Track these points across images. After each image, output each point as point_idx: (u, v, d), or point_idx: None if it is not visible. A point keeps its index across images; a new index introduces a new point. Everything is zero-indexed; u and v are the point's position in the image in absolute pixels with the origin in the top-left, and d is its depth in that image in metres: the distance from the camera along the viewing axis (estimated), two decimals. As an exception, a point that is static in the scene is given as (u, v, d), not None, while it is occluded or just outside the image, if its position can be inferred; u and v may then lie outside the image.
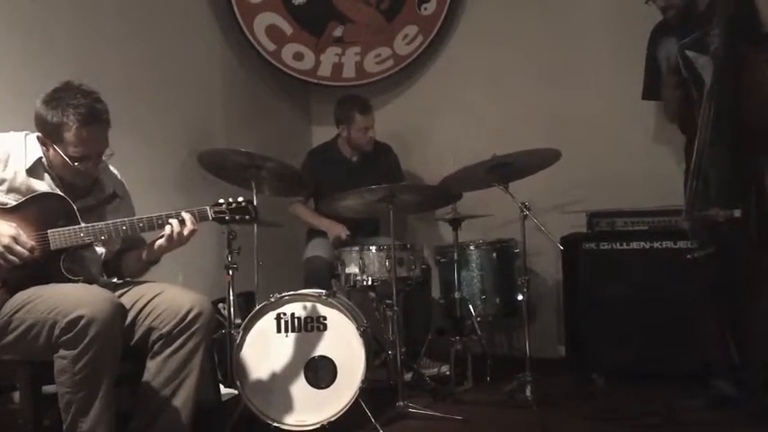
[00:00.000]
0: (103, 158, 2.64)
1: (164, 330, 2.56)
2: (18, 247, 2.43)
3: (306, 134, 5.36)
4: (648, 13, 3.80)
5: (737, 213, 3.07)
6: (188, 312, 2.57)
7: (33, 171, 2.59)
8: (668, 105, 3.77)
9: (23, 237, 2.45)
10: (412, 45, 5.00)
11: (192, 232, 2.64)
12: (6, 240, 2.42)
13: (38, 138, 2.59)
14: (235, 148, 3.65)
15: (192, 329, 2.58)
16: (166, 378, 2.56)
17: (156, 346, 2.58)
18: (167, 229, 2.62)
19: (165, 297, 2.62)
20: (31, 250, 2.45)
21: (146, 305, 2.61)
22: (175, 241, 2.64)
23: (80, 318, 2.30)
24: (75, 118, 2.50)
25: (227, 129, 4.59)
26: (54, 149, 2.55)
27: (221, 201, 2.73)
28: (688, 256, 3.29)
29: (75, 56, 3.54)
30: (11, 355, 2.46)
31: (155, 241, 2.69)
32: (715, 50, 3.15)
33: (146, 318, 2.59)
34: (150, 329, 2.58)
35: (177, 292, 2.66)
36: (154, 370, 2.57)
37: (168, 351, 2.57)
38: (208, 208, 2.70)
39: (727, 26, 3.13)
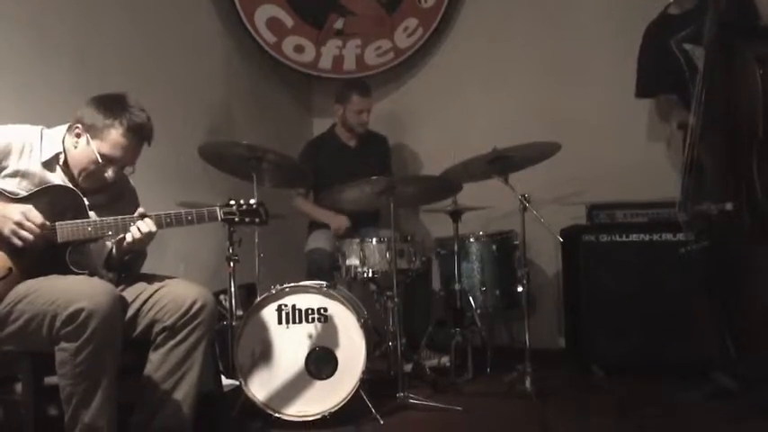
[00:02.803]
0: (125, 172, 2.70)
1: (167, 323, 2.57)
2: (28, 223, 2.44)
3: (306, 126, 5.37)
4: (648, 8, 3.80)
5: (729, 207, 3.08)
6: (192, 305, 2.58)
7: (48, 165, 2.63)
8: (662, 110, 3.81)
9: (34, 212, 2.46)
10: (412, 38, 5.00)
11: (150, 235, 2.61)
12: (17, 216, 2.43)
13: (75, 128, 2.62)
14: (236, 140, 3.65)
15: (196, 322, 2.59)
16: (168, 370, 2.57)
17: (159, 339, 2.58)
18: (130, 235, 2.60)
19: (169, 290, 2.63)
20: (41, 227, 2.46)
21: (149, 298, 2.62)
22: (137, 243, 2.62)
23: (80, 310, 2.31)
24: (127, 123, 2.59)
25: (227, 121, 4.59)
26: (87, 143, 2.59)
27: (231, 201, 2.74)
28: (681, 251, 3.31)
29: (75, 51, 3.54)
30: (12, 346, 2.47)
31: (122, 240, 2.68)
32: (707, 41, 3.16)
33: (149, 310, 2.60)
34: (153, 322, 2.59)
35: (181, 285, 2.67)
36: (156, 362, 2.58)
37: (171, 343, 2.58)
38: (217, 208, 2.71)
39: (717, 17, 3.13)
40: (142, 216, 2.59)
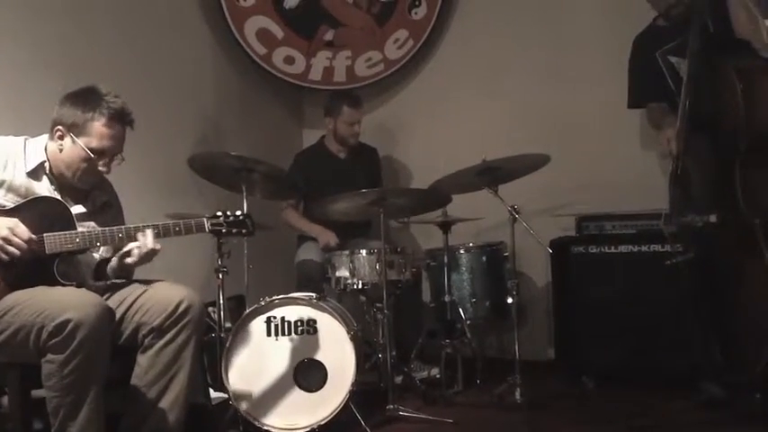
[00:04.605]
0: (115, 161, 2.69)
1: (154, 324, 2.56)
2: (16, 239, 2.43)
3: (297, 137, 5.37)
4: (641, 19, 3.82)
5: (713, 219, 3.10)
6: (178, 305, 2.58)
7: (34, 174, 2.62)
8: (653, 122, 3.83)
9: (21, 227, 2.45)
10: (402, 49, 5.01)
11: (154, 252, 2.63)
12: (4, 232, 2.42)
13: (57, 130, 2.61)
14: (226, 151, 3.65)
15: (183, 322, 2.58)
16: (158, 373, 2.56)
17: (147, 340, 2.58)
18: (135, 250, 2.62)
19: (154, 293, 2.63)
20: (29, 242, 2.45)
21: (133, 302, 2.61)
22: (143, 259, 2.64)
23: (68, 322, 2.29)
24: (107, 112, 2.60)
25: (218, 132, 4.59)
26: (73, 141, 2.59)
27: (219, 213, 2.77)
28: (667, 262, 3.32)
29: (66, 61, 3.54)
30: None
31: (123, 258, 2.68)
32: (690, 53, 3.19)
33: (134, 314, 2.59)
34: (139, 325, 2.58)
35: (165, 287, 2.67)
36: (145, 365, 2.57)
37: (160, 344, 2.57)
38: (205, 220, 2.73)
39: (701, 30, 3.16)
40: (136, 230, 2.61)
